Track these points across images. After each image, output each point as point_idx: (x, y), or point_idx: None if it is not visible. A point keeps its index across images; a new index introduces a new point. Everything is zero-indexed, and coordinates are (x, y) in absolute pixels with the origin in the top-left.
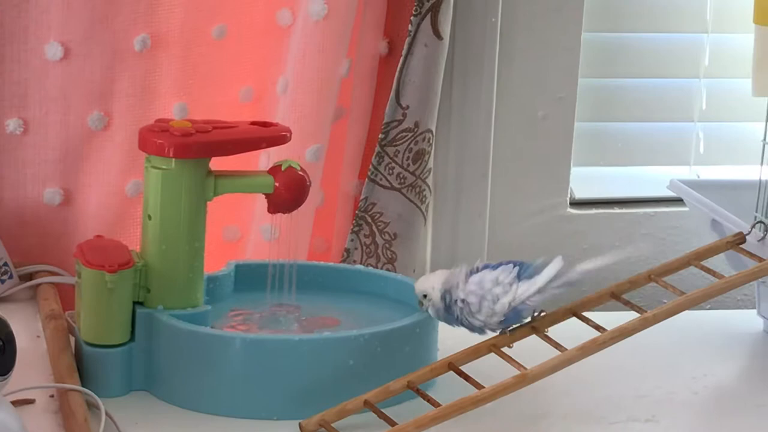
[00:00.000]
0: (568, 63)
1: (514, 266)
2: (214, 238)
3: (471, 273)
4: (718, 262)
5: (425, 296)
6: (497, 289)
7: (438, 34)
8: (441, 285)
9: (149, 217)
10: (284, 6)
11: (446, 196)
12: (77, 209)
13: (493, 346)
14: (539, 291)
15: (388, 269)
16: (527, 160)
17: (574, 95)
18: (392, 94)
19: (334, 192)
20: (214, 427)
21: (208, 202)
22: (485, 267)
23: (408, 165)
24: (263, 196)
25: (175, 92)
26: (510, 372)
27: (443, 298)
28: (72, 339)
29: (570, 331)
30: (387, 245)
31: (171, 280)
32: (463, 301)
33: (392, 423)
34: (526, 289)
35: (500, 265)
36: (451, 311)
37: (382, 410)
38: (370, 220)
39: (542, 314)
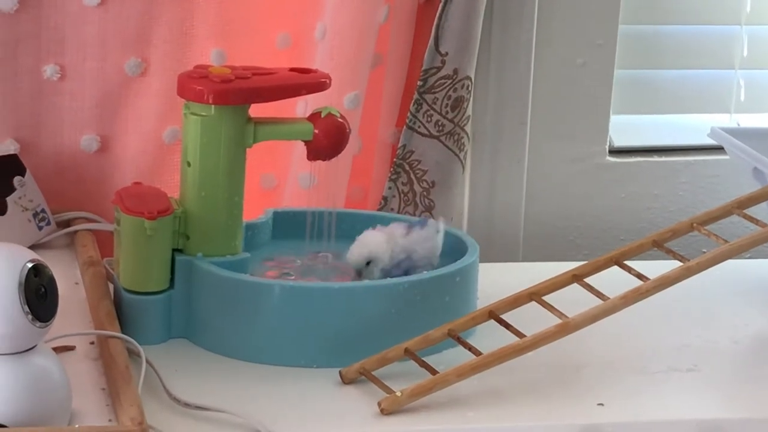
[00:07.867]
0: (608, 9)
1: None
2: (251, 186)
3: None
4: (760, 211)
5: (369, 263)
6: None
7: None
8: (385, 245)
9: (188, 164)
10: None
11: (485, 143)
12: (114, 156)
13: (534, 295)
14: None
15: (426, 217)
16: (566, 107)
17: (614, 42)
18: (431, 40)
19: (372, 140)
20: (253, 375)
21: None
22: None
23: (446, 112)
24: (301, 143)
25: (212, 38)
26: (551, 321)
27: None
28: (110, 286)
29: (612, 280)
30: (425, 193)
31: (210, 227)
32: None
33: (433, 371)
34: None
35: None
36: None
37: (423, 359)
38: (408, 167)
39: None
